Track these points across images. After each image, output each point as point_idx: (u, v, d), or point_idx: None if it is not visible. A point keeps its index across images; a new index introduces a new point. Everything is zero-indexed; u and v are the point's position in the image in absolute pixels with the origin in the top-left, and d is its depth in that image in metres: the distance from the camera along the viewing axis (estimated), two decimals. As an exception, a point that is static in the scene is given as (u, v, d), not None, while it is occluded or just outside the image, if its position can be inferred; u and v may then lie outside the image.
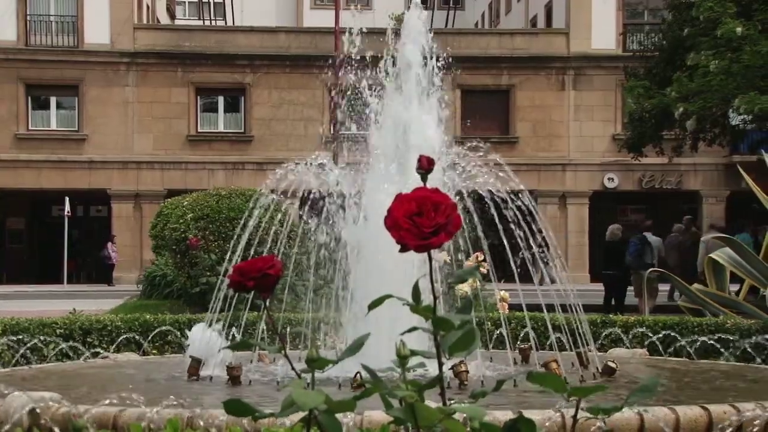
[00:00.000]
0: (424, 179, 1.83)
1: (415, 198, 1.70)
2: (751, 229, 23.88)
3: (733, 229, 27.78)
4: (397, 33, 10.12)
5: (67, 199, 36.82)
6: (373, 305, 1.87)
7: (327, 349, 9.41)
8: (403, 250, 1.72)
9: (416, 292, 1.81)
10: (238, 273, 1.93)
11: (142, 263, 34.44)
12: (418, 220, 1.68)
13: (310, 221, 9.76)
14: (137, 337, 11.33)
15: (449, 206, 1.69)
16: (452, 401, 1.79)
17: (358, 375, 7.50)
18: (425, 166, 1.85)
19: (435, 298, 1.80)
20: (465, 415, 1.81)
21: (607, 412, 1.84)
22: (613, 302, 21.42)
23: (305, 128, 39.47)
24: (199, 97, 40.10)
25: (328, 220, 9.47)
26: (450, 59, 10.04)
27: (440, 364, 1.80)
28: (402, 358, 1.84)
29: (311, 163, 9.65)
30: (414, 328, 1.85)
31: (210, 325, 9.54)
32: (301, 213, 10.11)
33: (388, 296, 1.86)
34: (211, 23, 53.51)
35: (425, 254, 1.77)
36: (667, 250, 24.05)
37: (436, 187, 1.75)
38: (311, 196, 9.72)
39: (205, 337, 9.22)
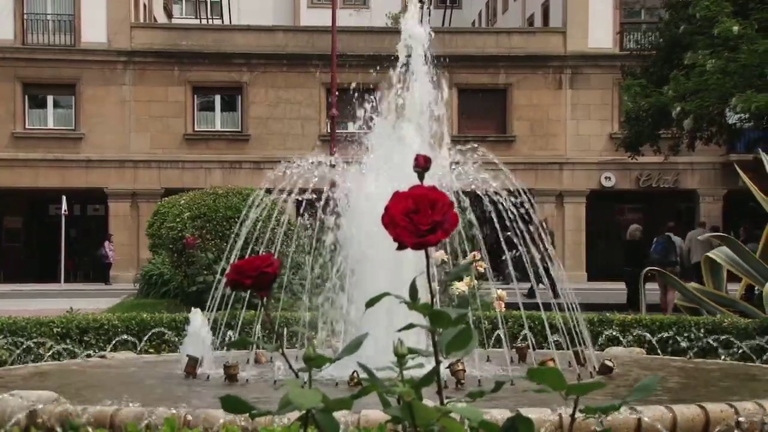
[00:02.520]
0: (421, 178, 1.83)
1: (412, 195, 1.70)
2: (743, 229, 24.13)
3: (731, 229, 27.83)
4: (397, 32, 10.08)
5: (64, 198, 36.79)
6: (370, 303, 1.87)
7: (324, 348, 9.39)
8: (400, 247, 1.72)
9: (413, 289, 1.81)
10: (235, 271, 1.93)
11: (139, 262, 34.40)
12: (414, 218, 1.68)
13: (321, 220, 9.71)
14: (133, 337, 11.32)
15: (446, 204, 1.69)
16: (450, 400, 1.79)
17: (356, 374, 7.50)
18: (422, 164, 1.85)
19: (432, 296, 1.79)
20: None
21: (605, 411, 1.83)
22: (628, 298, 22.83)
23: (302, 127, 39.49)
24: (196, 96, 40.08)
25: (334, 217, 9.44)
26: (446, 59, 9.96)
27: (437, 362, 1.79)
28: (400, 357, 1.84)
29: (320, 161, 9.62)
30: (411, 325, 1.85)
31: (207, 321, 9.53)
32: (304, 213, 10.04)
33: (386, 294, 1.86)
34: (208, 22, 53.51)
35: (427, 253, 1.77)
36: None
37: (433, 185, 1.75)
38: (320, 194, 9.66)
39: (201, 335, 9.22)
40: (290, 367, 2.02)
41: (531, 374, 1.76)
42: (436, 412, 1.72)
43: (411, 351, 1.85)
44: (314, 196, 9.52)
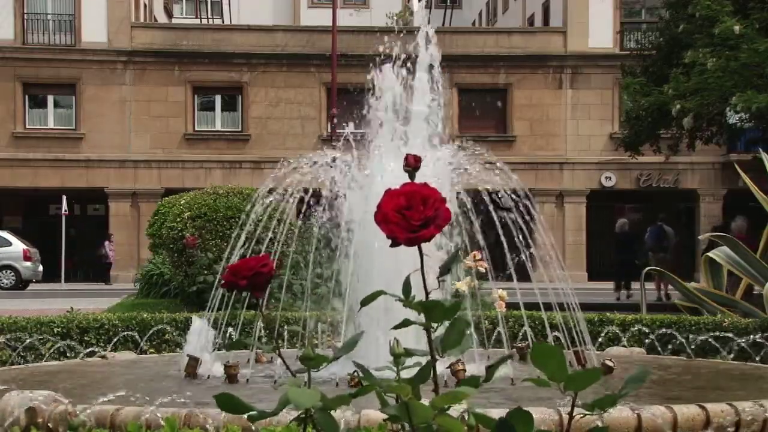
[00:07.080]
0: (411, 177, 1.84)
1: (404, 192, 1.71)
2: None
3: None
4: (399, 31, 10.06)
5: (64, 197, 36.79)
6: (365, 301, 1.87)
7: (324, 347, 9.40)
8: (394, 244, 1.73)
9: (407, 286, 1.81)
10: (230, 272, 1.93)
11: (140, 262, 34.42)
12: (407, 214, 1.69)
13: (324, 219, 9.68)
14: (135, 335, 11.33)
15: (438, 200, 1.70)
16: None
17: (356, 373, 7.50)
18: (412, 163, 1.86)
19: (427, 293, 1.80)
20: (462, 412, 1.81)
21: (603, 405, 1.83)
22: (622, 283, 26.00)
23: (302, 127, 39.51)
24: (196, 96, 40.11)
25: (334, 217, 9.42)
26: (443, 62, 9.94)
27: (433, 359, 1.80)
28: (396, 356, 1.84)
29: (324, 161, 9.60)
30: (407, 321, 1.85)
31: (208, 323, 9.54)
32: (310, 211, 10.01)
33: (381, 292, 1.86)
34: (208, 22, 53.55)
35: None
36: None
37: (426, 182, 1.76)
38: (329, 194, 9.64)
39: (203, 335, 9.22)
40: (287, 368, 2.02)
41: (534, 351, 1.77)
42: (432, 410, 1.72)
43: (408, 351, 1.85)
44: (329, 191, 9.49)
